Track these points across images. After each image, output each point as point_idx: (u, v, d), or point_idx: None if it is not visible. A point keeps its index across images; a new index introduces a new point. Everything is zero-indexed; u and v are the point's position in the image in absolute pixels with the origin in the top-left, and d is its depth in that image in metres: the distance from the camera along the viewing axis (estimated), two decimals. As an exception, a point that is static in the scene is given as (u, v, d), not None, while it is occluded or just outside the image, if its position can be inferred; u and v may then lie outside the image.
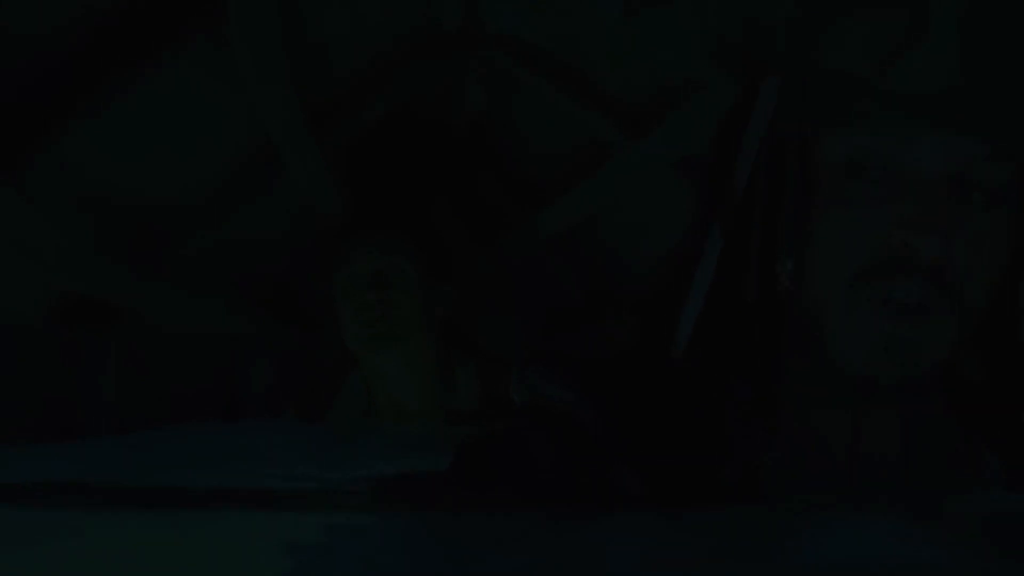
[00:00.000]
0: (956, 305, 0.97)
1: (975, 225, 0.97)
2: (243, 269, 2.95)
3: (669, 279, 1.08)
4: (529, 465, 1.03)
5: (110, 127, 2.48)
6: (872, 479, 1.01)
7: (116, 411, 2.86)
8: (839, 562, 0.87)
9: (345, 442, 2.49)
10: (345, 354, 2.68)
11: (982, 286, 0.98)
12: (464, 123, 2.98)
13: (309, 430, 2.64)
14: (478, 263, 3.01)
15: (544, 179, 3.06)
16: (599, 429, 1.03)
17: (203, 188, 2.78)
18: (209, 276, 2.87)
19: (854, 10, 0.97)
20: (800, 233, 0.99)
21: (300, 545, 1.01)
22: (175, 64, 2.48)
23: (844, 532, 0.93)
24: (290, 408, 2.83)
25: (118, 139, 2.52)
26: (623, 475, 1.00)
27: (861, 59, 0.96)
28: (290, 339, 3.08)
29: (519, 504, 1.01)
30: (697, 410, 1.03)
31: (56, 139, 2.43)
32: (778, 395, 1.03)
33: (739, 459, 1.01)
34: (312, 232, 2.87)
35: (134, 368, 2.91)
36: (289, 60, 2.59)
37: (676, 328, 1.06)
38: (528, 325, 3.05)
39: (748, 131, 1.03)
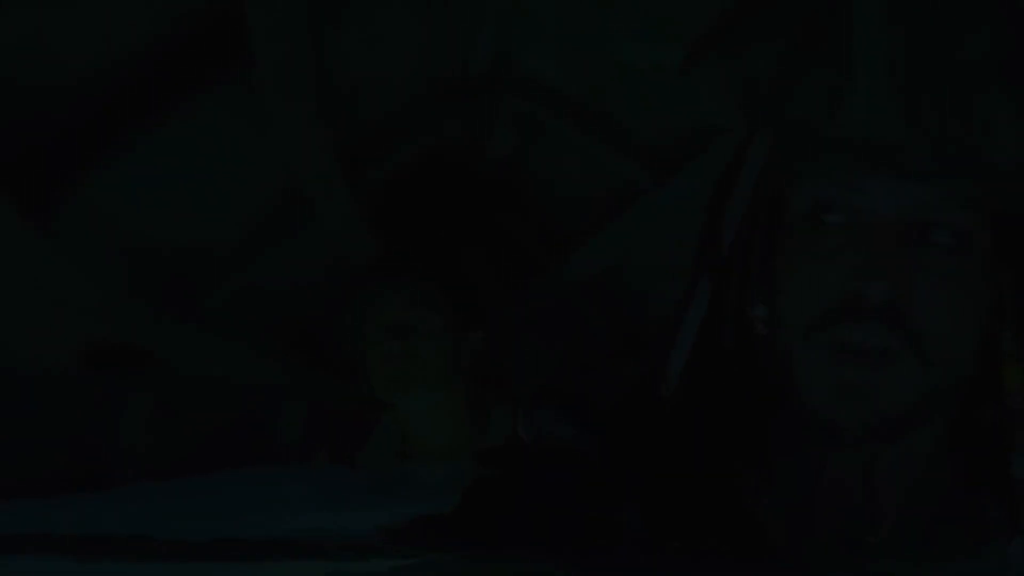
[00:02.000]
0: (916, 345, 0.96)
1: (940, 269, 0.97)
2: (273, 314, 2.95)
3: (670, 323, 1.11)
4: (536, 505, 1.04)
5: (139, 171, 2.49)
6: (832, 528, 1.02)
7: (145, 459, 2.85)
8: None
9: (374, 488, 2.49)
10: (376, 397, 2.68)
11: (954, 331, 0.98)
12: (492, 166, 2.98)
13: (339, 476, 2.64)
14: (507, 307, 3.01)
15: (572, 223, 3.06)
16: (604, 468, 1.05)
17: (233, 232, 2.79)
18: (239, 321, 2.88)
19: (805, 65, 1.00)
20: (771, 282, 1.02)
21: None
22: (204, 108, 2.50)
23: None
24: (321, 453, 2.83)
25: (147, 183, 2.53)
26: (627, 515, 1.02)
27: (814, 110, 0.99)
28: (321, 384, 3.07)
29: (524, 544, 1.02)
30: (695, 455, 1.05)
31: (85, 184, 2.44)
32: (762, 441, 1.05)
33: (738, 506, 1.03)
34: (342, 276, 2.88)
35: (163, 415, 2.91)
36: (318, 104, 2.60)
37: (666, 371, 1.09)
38: (558, 367, 3.04)
39: (738, 187, 1.07)
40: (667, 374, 1.08)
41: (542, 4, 2.68)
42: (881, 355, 0.96)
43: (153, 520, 2.01)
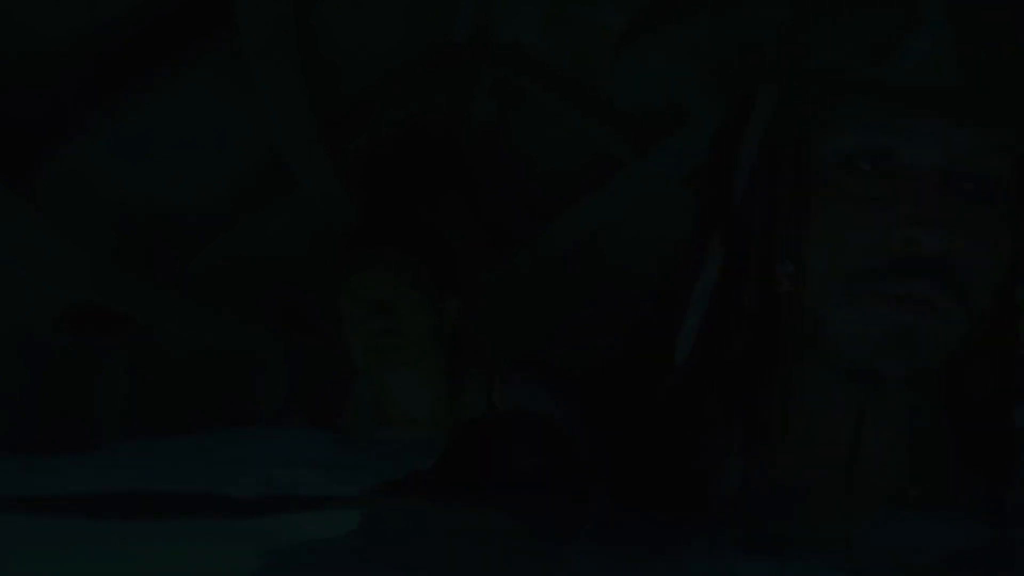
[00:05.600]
0: (963, 299, 0.95)
1: (974, 217, 0.96)
2: (256, 281, 2.96)
3: (667, 292, 1.08)
4: (510, 473, 1.03)
5: (122, 138, 2.49)
6: (875, 479, 1.00)
7: (127, 424, 2.87)
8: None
9: (354, 450, 2.51)
10: (354, 368, 2.69)
11: (985, 281, 0.97)
12: (473, 136, 2.99)
13: (319, 437, 2.66)
14: (485, 275, 3.02)
15: (552, 193, 3.07)
16: (576, 442, 1.03)
17: (216, 200, 2.80)
18: (221, 288, 2.89)
19: (844, 10, 0.97)
20: (798, 235, 0.99)
21: (286, 547, 1.03)
22: (188, 75, 2.50)
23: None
24: (300, 418, 2.85)
25: (130, 151, 2.53)
26: (594, 491, 1.00)
27: (853, 56, 0.96)
28: (302, 350, 3.09)
29: (497, 505, 1.01)
30: (680, 432, 1.02)
31: (69, 151, 2.44)
32: (778, 402, 1.02)
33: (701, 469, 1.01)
34: (325, 244, 2.89)
35: (145, 380, 2.92)
36: (302, 73, 2.60)
37: (674, 340, 1.05)
38: (537, 339, 3.06)
39: (745, 141, 1.03)
40: (680, 341, 1.04)
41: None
42: (931, 307, 0.94)
43: (133, 479, 2.03)
